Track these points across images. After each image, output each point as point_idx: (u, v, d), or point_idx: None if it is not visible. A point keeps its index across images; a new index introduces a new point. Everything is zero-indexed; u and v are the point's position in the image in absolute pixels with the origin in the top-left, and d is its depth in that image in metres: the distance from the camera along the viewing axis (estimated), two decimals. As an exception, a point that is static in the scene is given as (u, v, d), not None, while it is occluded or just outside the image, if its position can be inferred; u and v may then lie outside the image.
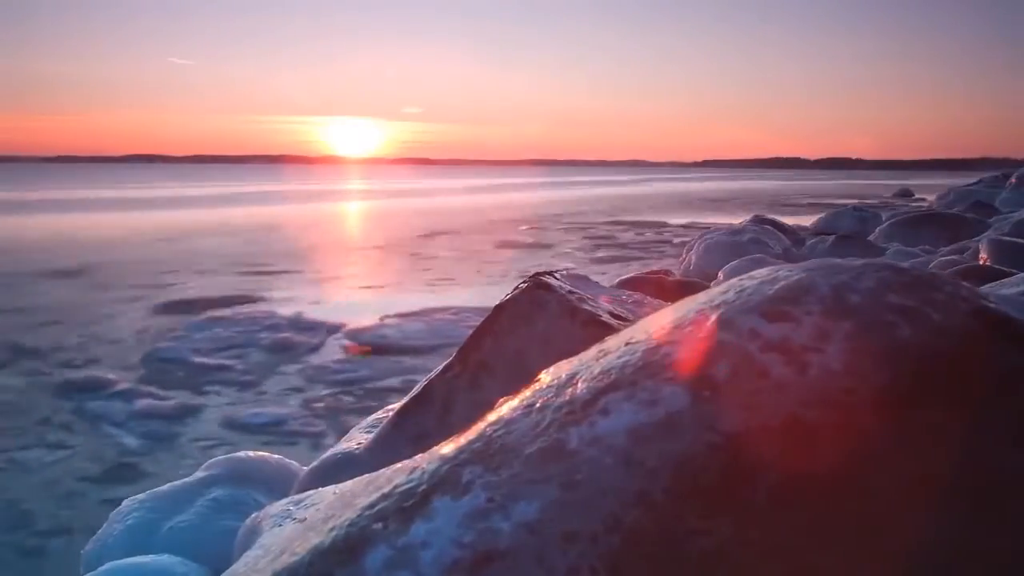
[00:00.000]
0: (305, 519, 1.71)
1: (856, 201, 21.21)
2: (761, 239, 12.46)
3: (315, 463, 2.55)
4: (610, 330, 2.20)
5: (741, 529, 0.92)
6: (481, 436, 1.04)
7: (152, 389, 6.45)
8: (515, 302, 2.32)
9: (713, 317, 1.09)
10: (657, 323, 1.18)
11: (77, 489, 4.83)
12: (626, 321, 2.29)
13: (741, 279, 1.25)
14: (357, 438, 2.61)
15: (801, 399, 0.97)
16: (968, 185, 26.64)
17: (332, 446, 2.96)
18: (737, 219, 15.89)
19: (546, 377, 1.20)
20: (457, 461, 1.00)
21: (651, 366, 1.03)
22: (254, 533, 1.79)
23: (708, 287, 4.79)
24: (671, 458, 0.93)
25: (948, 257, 8.93)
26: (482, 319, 2.45)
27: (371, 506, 0.99)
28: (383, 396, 6.01)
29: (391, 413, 2.66)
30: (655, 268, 10.14)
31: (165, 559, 2.98)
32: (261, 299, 10.51)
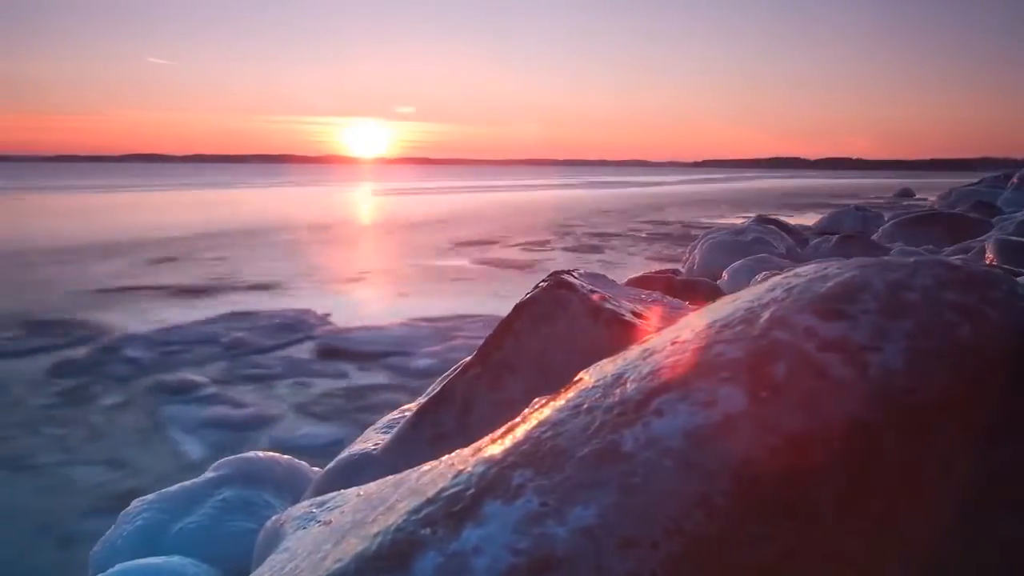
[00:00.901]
0: (330, 522, 1.68)
1: (859, 201, 21.19)
2: (764, 239, 12.44)
3: (332, 464, 2.52)
4: (634, 329, 2.17)
5: (804, 535, 0.89)
6: (529, 438, 1.01)
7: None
8: (536, 302, 2.29)
9: (765, 315, 1.06)
10: (703, 322, 1.14)
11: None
12: (648, 320, 2.26)
13: (786, 276, 1.22)
14: (373, 439, 2.58)
15: (863, 400, 0.94)
16: (970, 185, 26.64)
17: (347, 446, 2.93)
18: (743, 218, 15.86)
19: (589, 378, 1.17)
20: (505, 464, 0.97)
21: (704, 366, 1.00)
22: (276, 536, 1.76)
23: (717, 287, 4.77)
24: (731, 461, 0.90)
25: (953, 257, 8.90)
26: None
27: (416, 510, 0.96)
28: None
29: (407, 414, 2.62)
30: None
31: (176, 560, 2.94)
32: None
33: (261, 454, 3.77)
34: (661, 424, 0.93)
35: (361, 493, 1.77)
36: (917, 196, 37.91)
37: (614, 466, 0.90)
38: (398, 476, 1.75)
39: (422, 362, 7.00)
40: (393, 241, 18.09)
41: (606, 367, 1.19)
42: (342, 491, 1.82)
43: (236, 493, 3.50)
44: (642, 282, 5.98)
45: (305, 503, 1.81)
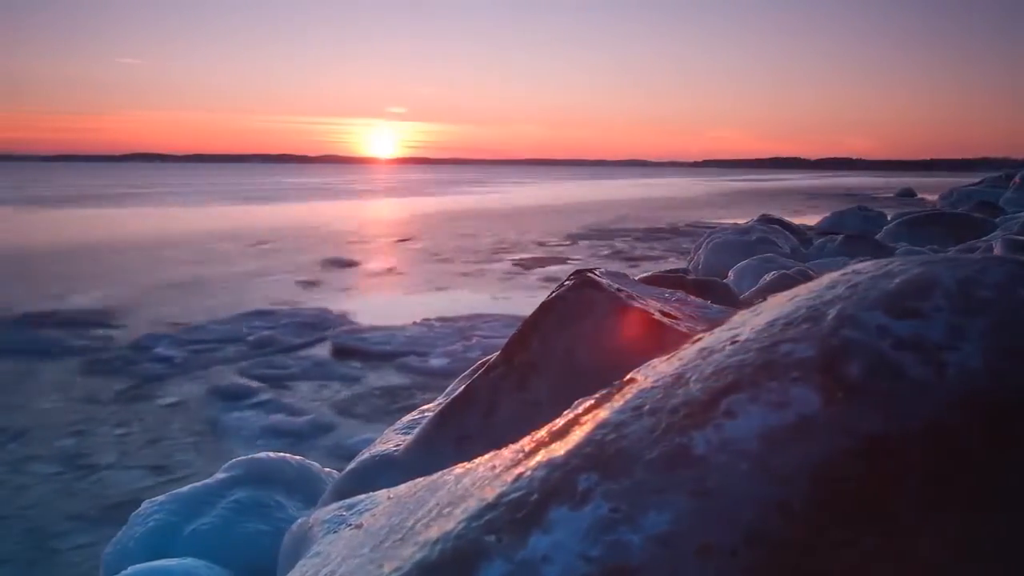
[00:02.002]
0: (361, 525, 1.64)
1: (861, 202, 21.16)
2: (769, 238, 12.41)
3: (353, 464, 2.48)
4: (665, 330, 2.14)
5: (886, 541, 0.85)
6: (590, 440, 0.97)
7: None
8: (563, 301, 2.25)
9: (832, 313, 1.02)
10: (762, 320, 1.11)
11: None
12: (677, 319, 2.22)
13: (844, 273, 1.18)
14: (394, 439, 2.54)
15: (942, 401, 0.90)
16: (971, 185, 26.63)
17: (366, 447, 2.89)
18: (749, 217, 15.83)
19: (643, 378, 1.13)
20: (569, 467, 0.93)
21: (773, 366, 0.96)
22: (305, 540, 1.72)
23: (730, 287, 4.70)
24: (809, 464, 0.86)
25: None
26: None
27: (477, 516, 0.92)
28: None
29: (428, 414, 2.59)
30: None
31: (189, 563, 2.90)
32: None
33: (272, 455, 3.72)
34: (733, 426, 0.90)
35: (391, 496, 1.73)
36: (918, 196, 37.93)
37: (686, 470, 0.87)
38: (430, 478, 1.71)
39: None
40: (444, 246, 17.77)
41: (660, 367, 1.15)
42: (370, 494, 1.78)
43: (248, 494, 3.46)
44: (652, 282, 5.92)
45: (333, 505, 1.77)
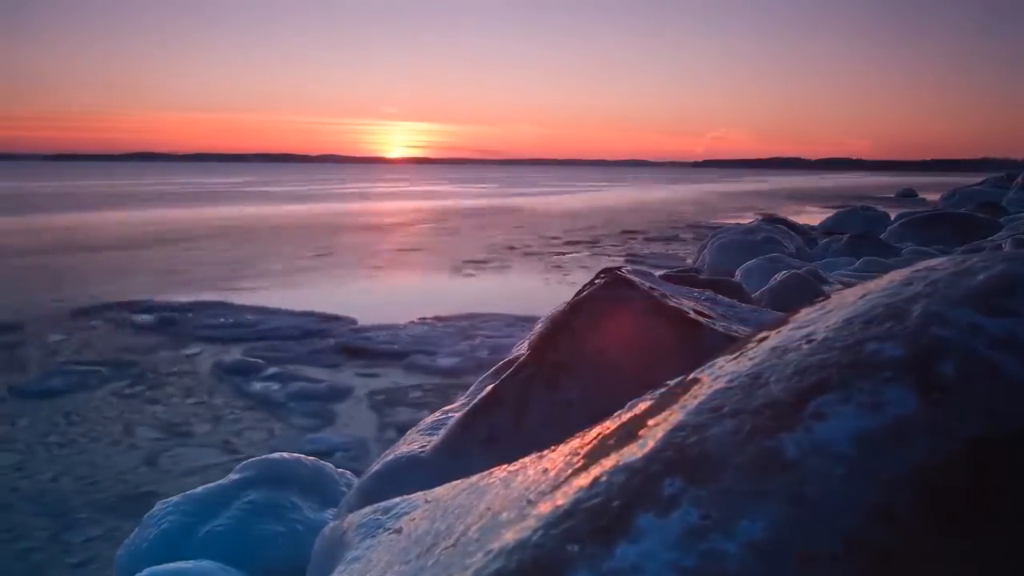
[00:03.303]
0: (401, 529, 1.59)
1: (864, 202, 21.14)
2: (775, 238, 12.38)
3: (378, 466, 2.44)
4: (702, 329, 2.10)
5: (988, 549, 0.81)
6: (668, 443, 0.92)
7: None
8: (594, 299, 2.21)
9: (916, 311, 0.98)
10: (838, 317, 1.07)
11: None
12: (712, 318, 2.18)
13: (916, 270, 1.14)
14: (419, 440, 2.49)
15: (1044, 402, 0.86)
16: (973, 185, 26.62)
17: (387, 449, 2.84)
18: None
19: (711, 378, 1.09)
20: (649, 472, 0.88)
21: (861, 365, 0.92)
22: (340, 544, 1.67)
23: (742, 287, 4.64)
24: (909, 469, 0.82)
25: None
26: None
27: (553, 524, 0.87)
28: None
29: (453, 415, 2.54)
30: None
31: (206, 565, 2.86)
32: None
33: (286, 455, 3.67)
34: (825, 428, 0.85)
35: (429, 499, 1.69)
36: (919, 197, 37.93)
37: (779, 475, 0.83)
38: (468, 481, 1.67)
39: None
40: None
41: (728, 367, 1.11)
42: (406, 497, 1.73)
43: (262, 495, 3.41)
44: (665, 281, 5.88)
45: (367, 508, 1.73)
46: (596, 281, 2.29)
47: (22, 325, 8.79)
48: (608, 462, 0.98)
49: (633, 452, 0.96)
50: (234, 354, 7.32)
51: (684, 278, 6.47)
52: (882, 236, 13.25)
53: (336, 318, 8.83)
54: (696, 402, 1.00)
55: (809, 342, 1.03)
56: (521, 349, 4.14)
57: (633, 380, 1.93)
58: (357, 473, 3.60)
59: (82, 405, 6.12)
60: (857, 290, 1.19)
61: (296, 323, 8.47)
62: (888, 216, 16.41)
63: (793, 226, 14.58)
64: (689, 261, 13.49)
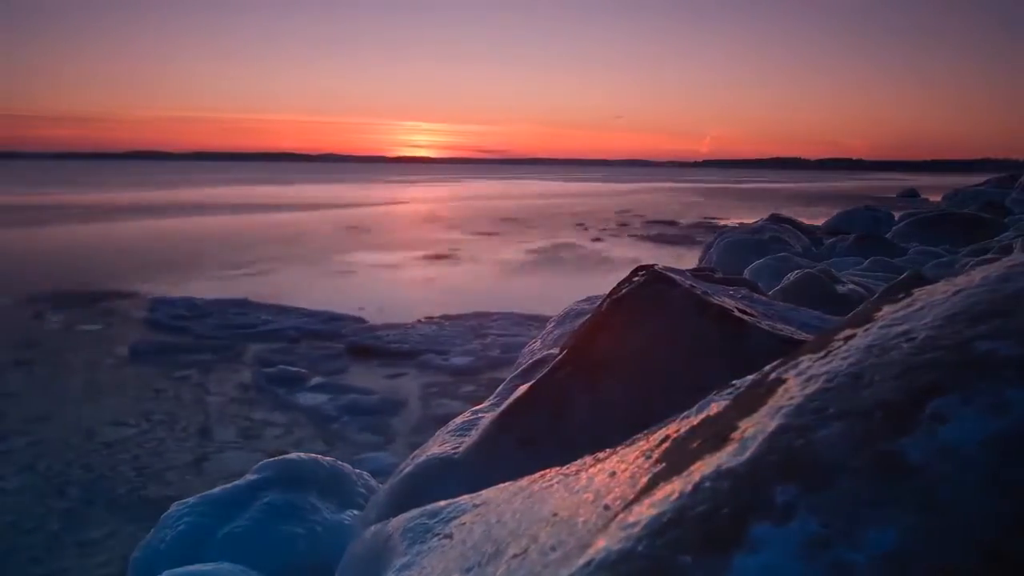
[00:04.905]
0: (452, 535, 1.54)
1: (868, 202, 21.09)
2: (781, 238, 12.33)
3: (409, 468, 2.38)
4: (748, 327, 2.04)
5: None
6: (772, 447, 0.87)
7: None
8: (633, 297, 2.15)
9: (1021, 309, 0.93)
10: (935, 314, 1.01)
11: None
12: (755, 316, 2.13)
13: (1011, 266, 1.09)
14: (450, 442, 2.44)
15: None
16: (976, 185, 26.60)
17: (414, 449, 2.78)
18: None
19: (804, 379, 1.03)
20: (757, 478, 0.83)
21: (975, 364, 0.87)
22: (386, 549, 1.62)
23: (758, 286, 4.54)
24: (1044, 475, 0.77)
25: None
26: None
27: (659, 532, 0.82)
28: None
29: (483, 416, 2.49)
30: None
31: (226, 567, 2.80)
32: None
33: (304, 455, 3.61)
34: (949, 431, 0.80)
35: (477, 503, 1.63)
36: (921, 197, 37.89)
37: (904, 481, 0.77)
38: (517, 484, 1.62)
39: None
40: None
41: (815, 366, 1.05)
42: (452, 500, 1.68)
43: (281, 496, 3.35)
44: (679, 280, 5.84)
45: (414, 512, 1.67)
46: (634, 279, 2.24)
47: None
48: (703, 467, 0.93)
49: (731, 456, 0.90)
50: (248, 356, 7.32)
51: (701, 277, 6.42)
52: (887, 236, 13.20)
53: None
54: (794, 403, 0.95)
55: (909, 340, 0.98)
56: (533, 347, 4.08)
57: (679, 380, 1.88)
58: (374, 474, 3.55)
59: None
60: (946, 285, 1.14)
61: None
62: (892, 216, 16.35)
63: (799, 226, 14.53)
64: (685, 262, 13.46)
